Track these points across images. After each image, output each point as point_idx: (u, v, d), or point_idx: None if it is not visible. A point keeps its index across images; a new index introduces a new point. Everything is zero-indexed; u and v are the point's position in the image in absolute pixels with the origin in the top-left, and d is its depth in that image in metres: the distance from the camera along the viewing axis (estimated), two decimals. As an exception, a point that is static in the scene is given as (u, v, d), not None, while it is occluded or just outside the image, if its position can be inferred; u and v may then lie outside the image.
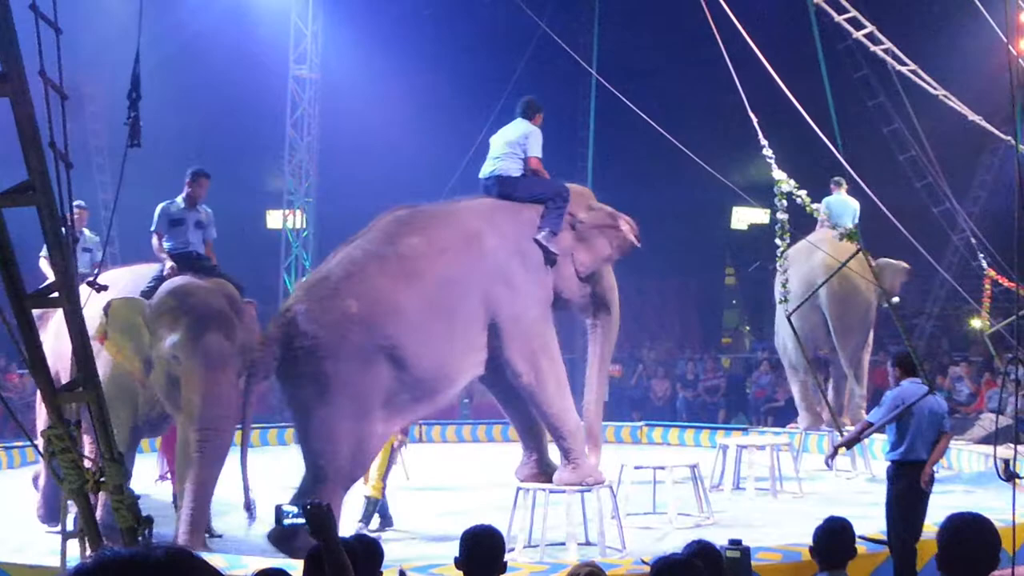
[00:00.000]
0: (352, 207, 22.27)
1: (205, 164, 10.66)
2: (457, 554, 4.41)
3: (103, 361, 9.07)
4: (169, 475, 10.97)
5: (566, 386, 9.89)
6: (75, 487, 4.35)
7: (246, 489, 8.79)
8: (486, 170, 10.26)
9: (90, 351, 4.58)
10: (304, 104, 21.76)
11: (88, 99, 20.89)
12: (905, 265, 14.69)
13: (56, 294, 4.49)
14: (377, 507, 10.69)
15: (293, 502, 8.42)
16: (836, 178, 14.56)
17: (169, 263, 9.62)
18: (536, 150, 10.14)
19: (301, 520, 3.99)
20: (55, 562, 6.31)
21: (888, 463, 8.44)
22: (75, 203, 10.96)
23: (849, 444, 9.09)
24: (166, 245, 9.83)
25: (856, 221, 14.47)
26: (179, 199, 10.08)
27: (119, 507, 4.33)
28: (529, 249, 9.79)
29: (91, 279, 6.25)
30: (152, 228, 9.92)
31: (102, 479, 4.36)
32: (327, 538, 3.83)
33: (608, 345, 10.65)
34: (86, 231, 11.59)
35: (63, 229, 4.48)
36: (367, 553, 4.21)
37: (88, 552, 4.58)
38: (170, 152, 17.69)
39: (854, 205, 14.71)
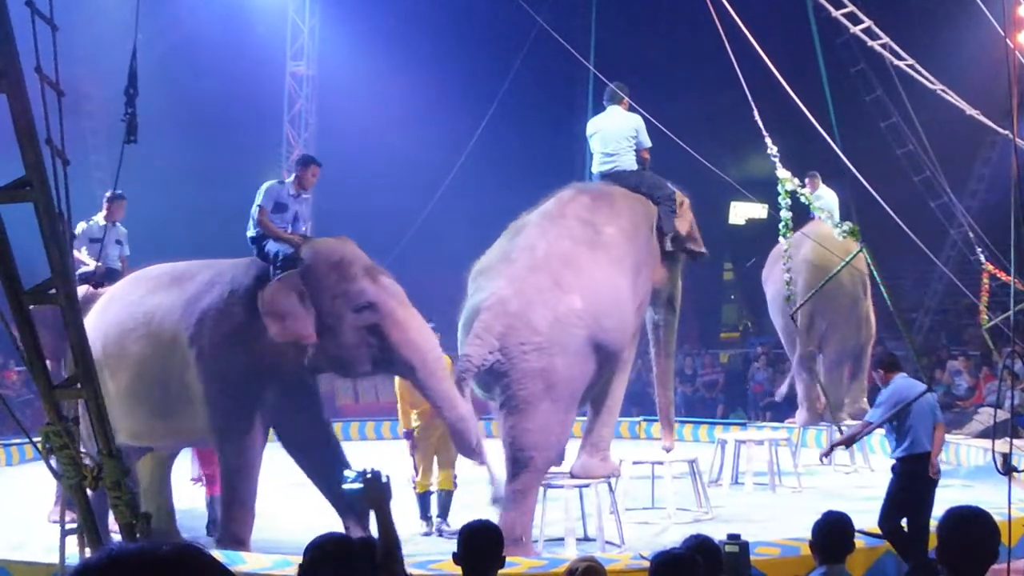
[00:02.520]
0: (350, 203, 22.36)
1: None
2: (455, 550, 4.41)
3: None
4: (203, 478, 10.61)
5: None
6: (73, 483, 4.35)
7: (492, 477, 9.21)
8: (604, 166, 10.70)
9: (87, 347, 4.57)
10: (301, 101, 21.73)
11: (86, 96, 20.86)
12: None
13: (54, 290, 4.49)
14: (451, 499, 10.44)
15: (494, 496, 8.79)
16: (812, 172, 14.49)
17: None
18: (648, 141, 10.63)
19: (359, 486, 4.01)
20: (54, 559, 6.30)
21: (895, 460, 8.47)
22: (115, 192, 11.04)
23: (848, 443, 9.09)
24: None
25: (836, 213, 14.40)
26: (289, 181, 9.89)
27: (117, 503, 4.32)
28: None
29: (88, 275, 6.25)
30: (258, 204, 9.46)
31: (100, 475, 4.35)
32: (381, 509, 3.86)
33: (673, 343, 11.44)
34: (119, 225, 11.44)
35: (60, 225, 4.47)
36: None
37: (87, 549, 4.58)
38: (167, 149, 17.70)
39: (834, 197, 14.67)
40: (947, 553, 3.42)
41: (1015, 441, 9.54)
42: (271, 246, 9.04)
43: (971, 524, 3.46)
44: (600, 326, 9.30)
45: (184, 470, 11.14)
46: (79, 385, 4.51)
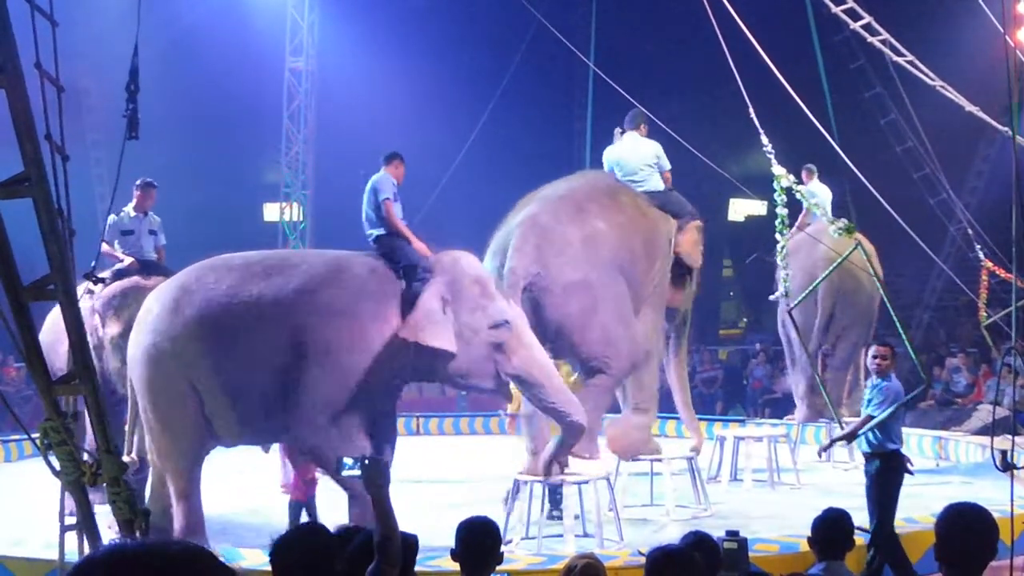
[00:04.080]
0: (349, 199, 22.31)
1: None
2: (453, 546, 4.41)
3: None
4: (291, 485, 9.87)
5: None
6: (72, 480, 4.34)
7: None
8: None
9: (86, 343, 4.56)
10: (300, 96, 21.70)
11: (86, 92, 20.86)
12: None
13: (53, 286, 4.48)
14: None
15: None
16: (807, 165, 14.47)
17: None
18: (668, 164, 11.47)
19: (357, 472, 4.02)
20: (53, 555, 6.31)
21: (875, 456, 8.42)
22: (145, 180, 10.84)
23: (849, 438, 9.10)
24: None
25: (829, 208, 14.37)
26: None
27: (116, 499, 4.32)
28: None
29: (88, 272, 6.24)
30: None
31: (99, 472, 4.35)
32: (378, 493, 3.87)
33: (685, 348, 12.41)
34: (151, 214, 11.08)
35: (59, 221, 4.46)
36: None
37: (86, 545, 4.58)
38: (165, 145, 17.65)
39: (828, 193, 14.65)
40: (946, 550, 3.42)
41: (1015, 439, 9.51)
42: (408, 250, 9.06)
43: (970, 521, 3.46)
44: (620, 252, 10.30)
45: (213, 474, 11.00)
46: (78, 381, 4.50)
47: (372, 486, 3.94)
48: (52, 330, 9.32)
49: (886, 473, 8.27)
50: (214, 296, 8.79)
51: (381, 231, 9.24)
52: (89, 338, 9.65)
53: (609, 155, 11.63)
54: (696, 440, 11.83)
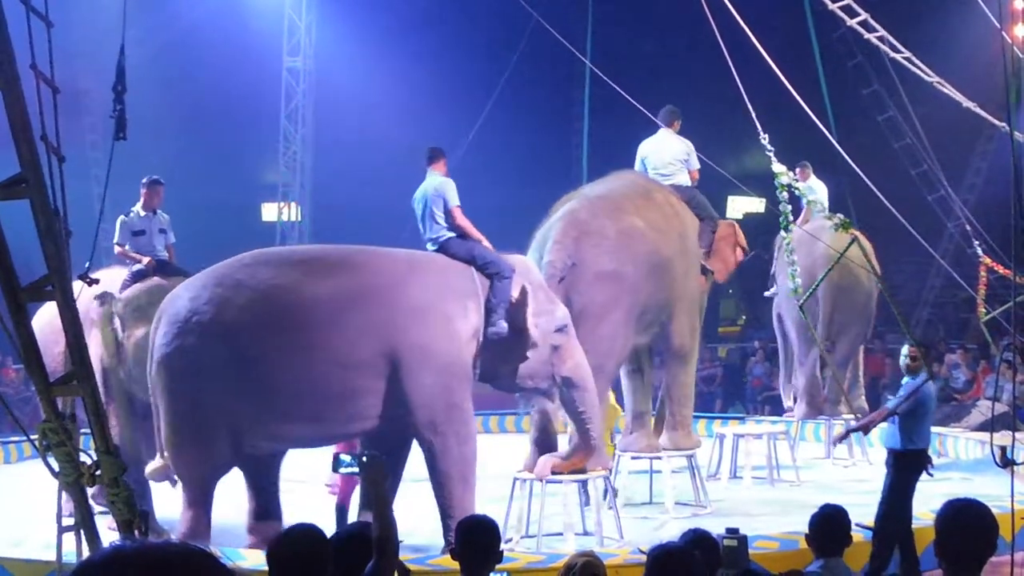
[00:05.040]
0: (347, 199, 22.35)
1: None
2: (453, 545, 4.41)
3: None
4: (337, 486, 9.61)
5: None
6: (71, 480, 4.34)
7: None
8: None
9: (84, 344, 4.56)
10: (298, 96, 21.69)
11: (83, 92, 20.82)
12: None
13: (50, 287, 4.48)
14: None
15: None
16: (802, 162, 14.46)
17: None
18: (696, 163, 11.88)
19: (355, 469, 4.01)
20: (52, 556, 6.30)
21: (898, 453, 8.43)
22: (152, 178, 10.54)
23: (864, 429, 9.08)
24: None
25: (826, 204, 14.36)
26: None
27: (115, 500, 4.32)
28: None
29: (82, 273, 6.22)
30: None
31: (98, 472, 4.35)
32: (377, 491, 3.87)
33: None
34: (160, 212, 10.76)
35: (56, 222, 4.46)
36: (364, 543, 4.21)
37: (84, 546, 4.58)
38: (163, 145, 17.66)
39: (824, 189, 14.64)
40: (945, 546, 3.41)
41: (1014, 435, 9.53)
42: (486, 251, 9.09)
43: (969, 517, 3.45)
44: (657, 247, 10.61)
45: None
46: (76, 382, 4.50)
47: (371, 484, 3.94)
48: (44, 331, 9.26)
49: (901, 471, 8.30)
50: (277, 291, 8.46)
51: (451, 234, 9.18)
52: (106, 343, 9.62)
53: (641, 149, 11.99)
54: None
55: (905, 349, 8.82)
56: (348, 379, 8.43)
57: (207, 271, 8.88)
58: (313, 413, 8.53)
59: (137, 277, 10.15)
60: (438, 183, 9.27)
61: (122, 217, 10.44)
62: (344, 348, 8.41)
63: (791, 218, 11.61)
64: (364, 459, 3.96)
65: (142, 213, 10.54)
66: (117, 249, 10.23)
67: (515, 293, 8.84)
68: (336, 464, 4.19)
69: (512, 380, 9.23)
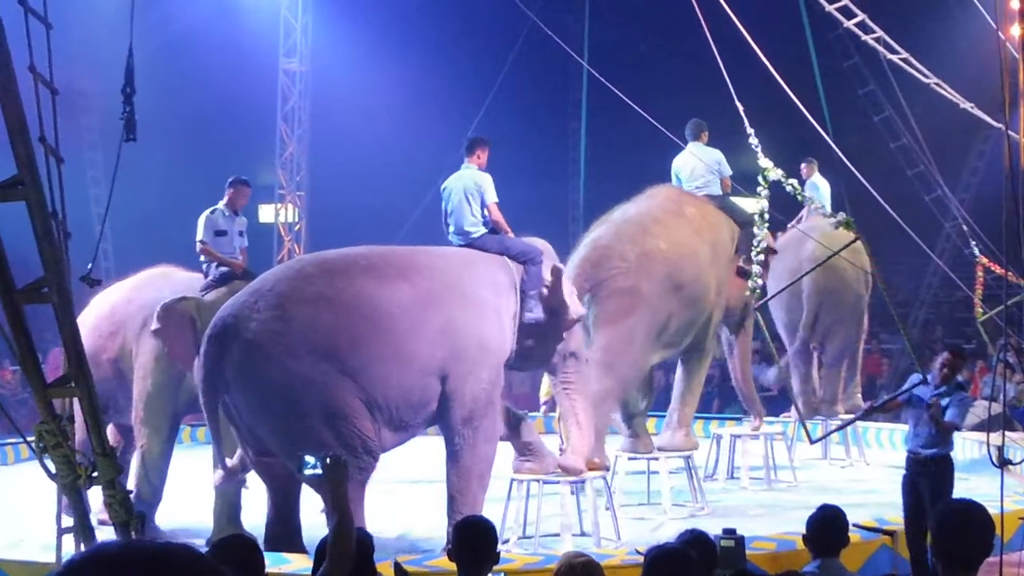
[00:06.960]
0: (344, 200, 22.33)
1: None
2: (450, 546, 4.40)
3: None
4: None
5: None
6: (67, 482, 4.34)
7: None
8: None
9: (80, 345, 4.55)
10: (294, 97, 21.68)
11: (80, 94, 20.81)
12: None
13: (46, 289, 4.47)
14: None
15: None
16: (808, 158, 14.45)
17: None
18: (728, 171, 12.07)
19: (319, 471, 3.99)
20: (50, 558, 6.29)
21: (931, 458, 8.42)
22: (239, 177, 10.13)
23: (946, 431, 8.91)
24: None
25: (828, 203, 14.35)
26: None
27: (112, 502, 4.32)
28: None
29: (84, 275, 6.21)
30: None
31: (94, 474, 4.34)
32: (337, 492, 3.84)
33: (747, 346, 12.79)
34: (241, 214, 10.30)
35: (53, 224, 4.46)
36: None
37: (82, 547, 4.58)
38: (160, 147, 17.62)
39: (827, 186, 14.64)
40: (942, 545, 3.42)
41: (1010, 434, 9.55)
42: (517, 241, 9.17)
43: (966, 517, 3.46)
44: (680, 267, 10.85)
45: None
46: (73, 384, 4.50)
47: (333, 485, 3.89)
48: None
49: (951, 473, 8.41)
50: (360, 301, 8.22)
51: (484, 230, 9.16)
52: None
53: (674, 165, 12.17)
54: (758, 422, 12.71)
55: (940, 357, 8.83)
56: (427, 385, 8.43)
57: (264, 289, 8.29)
58: (401, 422, 8.42)
59: (222, 280, 9.68)
60: (478, 178, 9.19)
61: (207, 213, 9.95)
62: (423, 354, 8.36)
63: (766, 216, 11.62)
64: (328, 460, 3.92)
65: (226, 212, 10.04)
66: (200, 247, 9.80)
67: (547, 276, 8.99)
68: (300, 466, 4.12)
69: (547, 361, 9.42)
